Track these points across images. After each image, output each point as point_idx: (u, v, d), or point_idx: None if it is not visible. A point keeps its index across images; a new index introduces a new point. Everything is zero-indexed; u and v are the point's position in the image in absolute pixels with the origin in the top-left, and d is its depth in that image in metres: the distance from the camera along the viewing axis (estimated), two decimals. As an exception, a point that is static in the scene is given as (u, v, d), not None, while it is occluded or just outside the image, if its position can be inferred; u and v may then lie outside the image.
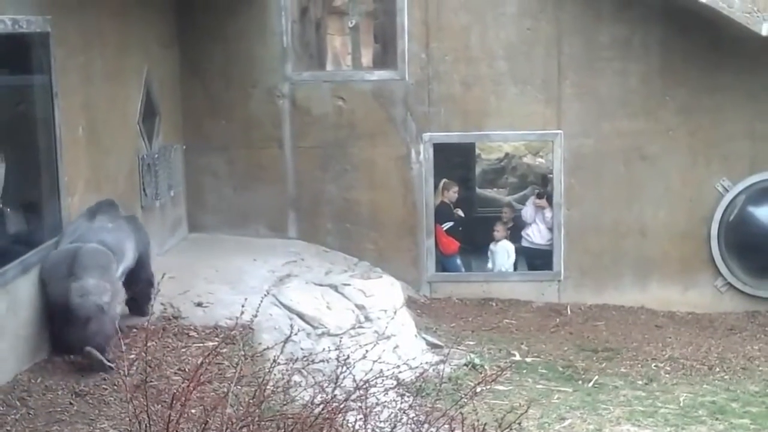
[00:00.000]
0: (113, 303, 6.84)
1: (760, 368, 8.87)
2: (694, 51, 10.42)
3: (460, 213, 11.57)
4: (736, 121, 10.52)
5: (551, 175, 11.11)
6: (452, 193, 11.41)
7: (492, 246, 11.35)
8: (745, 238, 10.59)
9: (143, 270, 7.63)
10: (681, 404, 7.82)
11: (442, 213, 11.13)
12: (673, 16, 10.30)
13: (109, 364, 6.57)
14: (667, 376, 8.66)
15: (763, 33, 9.39)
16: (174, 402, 4.94)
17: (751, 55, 10.25)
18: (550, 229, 10.90)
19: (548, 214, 10.99)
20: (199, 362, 5.47)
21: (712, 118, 10.54)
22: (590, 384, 8.34)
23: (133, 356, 6.37)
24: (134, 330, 7.15)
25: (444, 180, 11.24)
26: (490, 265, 11.33)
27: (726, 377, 8.64)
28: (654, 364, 8.94)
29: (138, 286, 7.54)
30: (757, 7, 9.33)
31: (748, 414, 7.62)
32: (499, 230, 11.40)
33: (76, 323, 6.59)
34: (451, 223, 11.28)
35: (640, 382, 8.44)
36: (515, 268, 11.27)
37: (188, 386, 5.00)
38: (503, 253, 11.29)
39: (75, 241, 7.00)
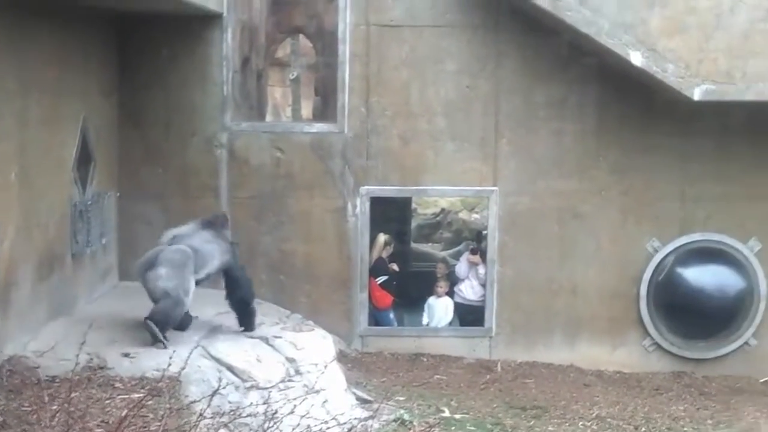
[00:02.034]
0: (180, 291, 8.22)
1: (685, 428, 8.97)
2: (629, 112, 10.63)
3: (395, 267, 11.62)
4: (668, 182, 10.73)
5: (486, 232, 11.22)
6: (390, 249, 11.49)
7: (431, 300, 11.39)
8: (673, 298, 10.74)
9: (237, 288, 8.89)
10: (606, 464, 7.89)
11: (377, 267, 11.18)
12: (608, 77, 10.50)
13: (162, 339, 8.03)
14: (594, 435, 8.74)
15: (695, 97, 9.63)
16: (93, 457, 4.90)
17: (684, 118, 10.49)
18: (483, 285, 10.99)
19: (481, 270, 11.09)
20: (122, 414, 5.44)
21: (644, 179, 10.74)
22: (518, 442, 8.38)
23: (55, 407, 6.27)
24: (57, 380, 7.04)
25: (386, 236, 11.28)
26: (425, 319, 11.36)
27: (651, 437, 8.75)
28: (581, 423, 8.99)
29: (234, 304, 8.93)
30: (690, 72, 9.58)
31: (671, 475, 7.73)
32: (442, 286, 11.42)
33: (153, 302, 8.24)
34: (385, 277, 11.33)
35: (567, 441, 8.50)
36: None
37: (109, 440, 4.97)
38: (442, 309, 11.33)
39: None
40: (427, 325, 11.26)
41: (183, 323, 8.53)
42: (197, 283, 8.52)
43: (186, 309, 8.45)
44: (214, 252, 8.70)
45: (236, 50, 10.77)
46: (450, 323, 11.28)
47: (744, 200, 10.74)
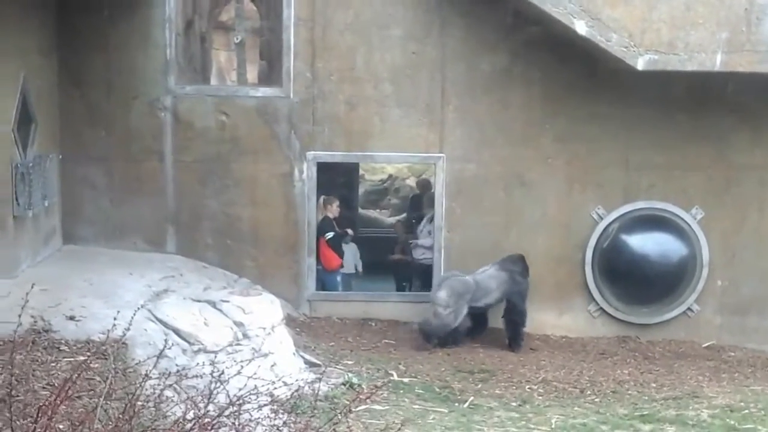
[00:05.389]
0: (449, 314, 10.12)
1: (629, 392, 9.10)
2: (574, 81, 10.67)
3: (350, 232, 11.64)
4: (612, 150, 10.80)
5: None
6: (334, 208, 11.42)
7: (343, 245, 11.62)
8: (617, 265, 10.85)
9: (513, 312, 10.44)
10: (552, 426, 7.93)
11: (324, 226, 11.13)
12: (554, 47, 10.52)
13: (428, 346, 10.07)
14: (540, 398, 8.81)
15: (639, 67, 9.70)
16: (40, 416, 4.79)
17: (628, 87, 10.55)
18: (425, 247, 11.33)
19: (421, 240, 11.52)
20: (68, 377, 5.32)
21: (589, 148, 10.80)
22: (465, 405, 8.41)
23: (-2, 369, 6.12)
24: (0, 343, 6.88)
25: (323, 196, 11.23)
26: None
27: (596, 400, 8.82)
28: (528, 387, 9.10)
29: (508, 323, 10.48)
30: (633, 42, 9.64)
31: (617, 436, 7.81)
32: (348, 232, 11.79)
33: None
34: (332, 233, 11.25)
35: (513, 404, 8.55)
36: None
37: (55, 400, 4.86)
38: (349, 253, 11.65)
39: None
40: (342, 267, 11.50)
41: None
42: (481, 309, 10.43)
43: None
44: (493, 282, 10.41)
45: (179, 12, 10.60)
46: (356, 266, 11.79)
47: (687, 169, 10.87)
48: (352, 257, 11.71)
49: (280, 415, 6.13)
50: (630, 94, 10.66)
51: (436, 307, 10.13)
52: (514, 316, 10.46)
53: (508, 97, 10.72)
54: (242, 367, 6.23)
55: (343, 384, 8.39)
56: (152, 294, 8.77)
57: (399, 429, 5.97)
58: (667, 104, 10.76)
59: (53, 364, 6.91)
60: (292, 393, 6.45)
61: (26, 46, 9.37)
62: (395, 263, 12.24)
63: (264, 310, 8.99)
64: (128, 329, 5.96)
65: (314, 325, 10.46)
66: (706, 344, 10.84)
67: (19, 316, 6.23)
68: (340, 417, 5.78)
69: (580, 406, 8.58)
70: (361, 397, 6.22)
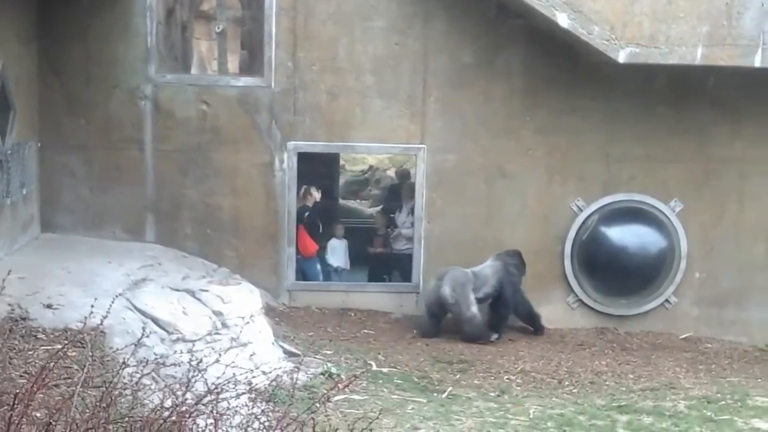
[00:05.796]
0: (464, 308, 10.25)
1: (607, 383, 9.14)
2: (555, 74, 10.69)
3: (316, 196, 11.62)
4: (592, 143, 10.83)
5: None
6: (314, 197, 11.41)
7: (331, 242, 11.63)
8: (596, 257, 10.90)
9: (501, 302, 10.49)
10: (531, 416, 7.97)
11: (301, 212, 11.12)
12: (536, 39, 10.54)
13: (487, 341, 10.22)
14: (518, 388, 8.84)
15: (620, 60, 9.72)
16: (16, 403, 4.76)
17: (609, 80, 10.58)
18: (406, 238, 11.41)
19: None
20: (44, 364, 5.29)
21: (570, 140, 10.83)
22: (444, 395, 8.43)
23: (-25, 357, 6.08)
24: (-20, 331, 6.85)
25: (303, 186, 11.20)
26: (329, 258, 11.58)
27: (574, 391, 8.86)
28: (506, 377, 9.13)
29: (494, 311, 10.55)
30: (615, 35, 9.66)
31: (594, 427, 7.82)
32: (338, 229, 11.81)
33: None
34: (307, 212, 11.27)
35: (492, 394, 8.58)
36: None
37: (32, 388, 4.84)
38: (340, 249, 11.66)
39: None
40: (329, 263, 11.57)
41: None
42: (481, 299, 10.41)
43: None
44: (490, 273, 10.48)
45: (160, 1, 10.55)
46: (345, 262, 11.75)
47: (666, 161, 10.91)
48: (343, 253, 11.67)
49: (259, 404, 6.13)
50: (611, 87, 10.70)
51: (447, 304, 10.24)
52: (501, 307, 10.52)
53: (490, 89, 10.73)
54: (220, 355, 6.23)
55: (322, 374, 8.39)
56: (131, 283, 8.73)
57: (377, 418, 5.99)
58: (648, 97, 10.81)
59: (30, 352, 6.89)
60: (271, 382, 6.47)
61: (5, 35, 9.31)
62: (375, 255, 12.19)
63: (243, 300, 8.98)
64: (106, 317, 5.94)
65: (293, 314, 10.46)
66: (684, 336, 10.92)
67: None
68: (318, 406, 5.76)
69: (558, 397, 8.62)
70: (339, 386, 6.22)
